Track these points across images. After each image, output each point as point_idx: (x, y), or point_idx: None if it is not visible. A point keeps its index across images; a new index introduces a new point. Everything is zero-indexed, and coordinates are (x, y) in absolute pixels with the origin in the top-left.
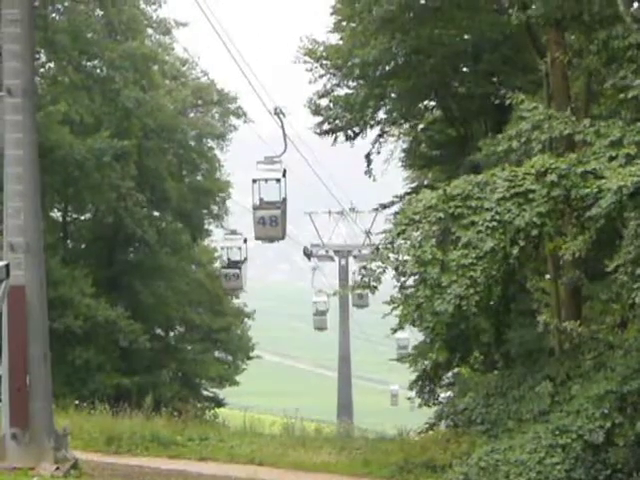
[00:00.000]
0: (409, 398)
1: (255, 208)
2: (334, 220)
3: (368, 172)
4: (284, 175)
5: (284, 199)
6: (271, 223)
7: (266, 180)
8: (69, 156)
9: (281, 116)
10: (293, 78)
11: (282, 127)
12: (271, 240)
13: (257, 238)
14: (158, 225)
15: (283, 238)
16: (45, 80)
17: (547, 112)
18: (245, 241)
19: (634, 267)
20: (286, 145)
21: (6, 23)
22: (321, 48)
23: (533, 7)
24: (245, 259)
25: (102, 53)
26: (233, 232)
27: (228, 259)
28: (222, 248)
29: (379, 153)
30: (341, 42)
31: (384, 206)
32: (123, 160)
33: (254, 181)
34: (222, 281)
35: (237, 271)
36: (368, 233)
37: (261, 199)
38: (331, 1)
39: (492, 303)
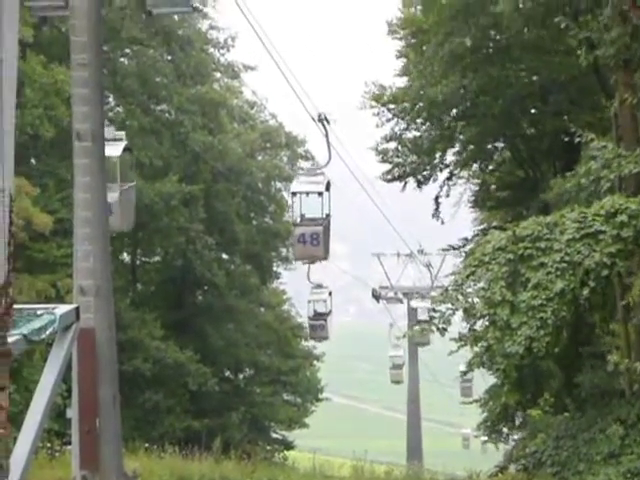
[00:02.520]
0: (483, 442)
1: (295, 225)
2: (402, 262)
3: (436, 215)
4: (327, 189)
5: (327, 215)
6: (312, 241)
7: (307, 193)
8: (138, 200)
9: (325, 123)
10: (360, 120)
11: (326, 135)
12: (312, 260)
13: (297, 258)
14: (227, 267)
15: (326, 258)
16: (114, 124)
17: (617, 151)
18: (330, 294)
19: None
20: (330, 156)
21: (75, 67)
22: (387, 93)
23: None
24: (330, 311)
25: (170, 97)
26: (319, 286)
27: (314, 311)
28: (309, 301)
29: (448, 196)
30: (408, 84)
31: (453, 248)
32: (192, 203)
33: (294, 194)
34: (309, 331)
35: (323, 322)
36: (430, 269)
37: (302, 215)
38: (397, 45)
39: (562, 347)
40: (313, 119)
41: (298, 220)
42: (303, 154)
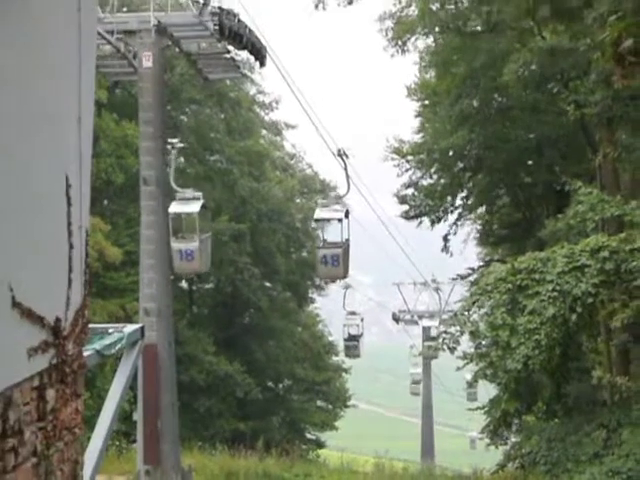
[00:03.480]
0: (487, 444)
1: (318, 248)
2: (418, 290)
3: (445, 249)
4: (347, 216)
5: (347, 239)
6: (333, 262)
7: (329, 220)
8: None
9: (344, 157)
10: (381, 171)
11: (345, 168)
12: (333, 279)
13: (320, 277)
14: (269, 294)
15: (345, 277)
16: (175, 172)
17: (600, 196)
18: (362, 320)
19: None
20: (349, 186)
21: (142, 124)
22: (406, 146)
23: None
24: (362, 334)
25: (222, 149)
26: (352, 313)
27: (349, 334)
28: (344, 325)
29: (455, 234)
30: (424, 139)
31: (461, 277)
32: (240, 239)
33: (316, 221)
34: (344, 350)
35: (356, 343)
36: (439, 294)
37: (324, 239)
38: (415, 106)
39: (553, 362)
40: (333, 154)
41: (321, 244)
42: (337, 197)
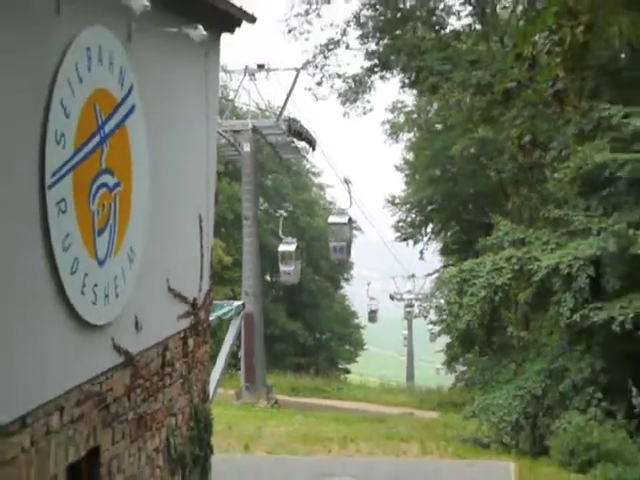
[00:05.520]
0: (446, 372)
1: (330, 241)
2: (404, 281)
3: (421, 258)
4: (349, 221)
5: (349, 237)
6: (340, 251)
7: (337, 224)
8: (276, 253)
9: (348, 183)
10: (383, 211)
11: (349, 191)
12: (340, 262)
13: (332, 259)
14: (317, 283)
15: (348, 260)
16: (263, 214)
17: (511, 226)
18: (378, 303)
19: (558, 307)
20: (351, 202)
21: (244, 184)
22: (397, 199)
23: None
24: (377, 309)
25: (290, 199)
26: (372, 298)
27: (371, 309)
28: (368, 304)
29: (427, 249)
30: (409, 194)
31: (430, 274)
32: (300, 252)
33: (329, 224)
34: (368, 319)
35: (374, 315)
36: (414, 281)
37: (335, 236)
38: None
39: (485, 323)
40: (341, 181)
41: (332, 239)
42: (357, 227)
